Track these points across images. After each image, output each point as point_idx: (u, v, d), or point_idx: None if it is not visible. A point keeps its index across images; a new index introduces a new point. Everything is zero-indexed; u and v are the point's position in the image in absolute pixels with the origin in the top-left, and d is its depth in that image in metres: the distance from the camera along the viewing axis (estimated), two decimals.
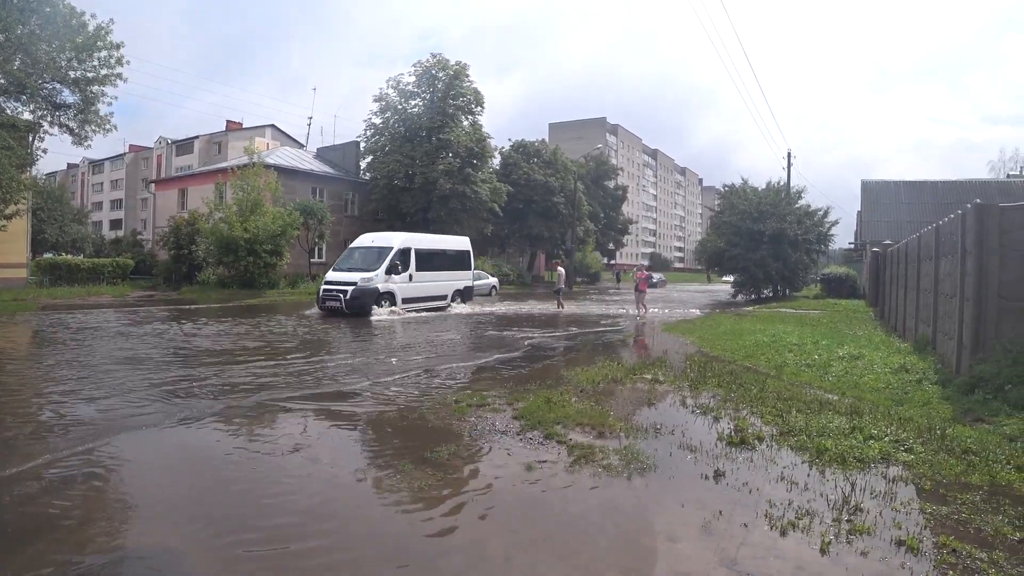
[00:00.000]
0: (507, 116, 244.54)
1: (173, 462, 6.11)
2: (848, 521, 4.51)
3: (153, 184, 55.08)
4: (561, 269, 30.52)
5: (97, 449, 6.21)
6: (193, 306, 24.25)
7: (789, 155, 46.30)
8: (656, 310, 27.08)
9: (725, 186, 42.27)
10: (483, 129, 46.91)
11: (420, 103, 45.71)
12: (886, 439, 6.43)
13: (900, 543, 4.16)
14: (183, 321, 18.65)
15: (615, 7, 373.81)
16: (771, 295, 38.04)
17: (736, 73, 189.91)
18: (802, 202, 38.48)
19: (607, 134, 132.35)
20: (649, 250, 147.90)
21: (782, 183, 40.65)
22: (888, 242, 26.47)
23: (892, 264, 19.88)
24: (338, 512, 4.80)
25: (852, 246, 50.85)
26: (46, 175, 68.81)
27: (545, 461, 5.93)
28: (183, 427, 7.09)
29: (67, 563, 3.89)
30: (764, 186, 38.77)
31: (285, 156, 46.71)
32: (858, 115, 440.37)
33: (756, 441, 6.47)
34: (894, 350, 12.86)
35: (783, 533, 4.34)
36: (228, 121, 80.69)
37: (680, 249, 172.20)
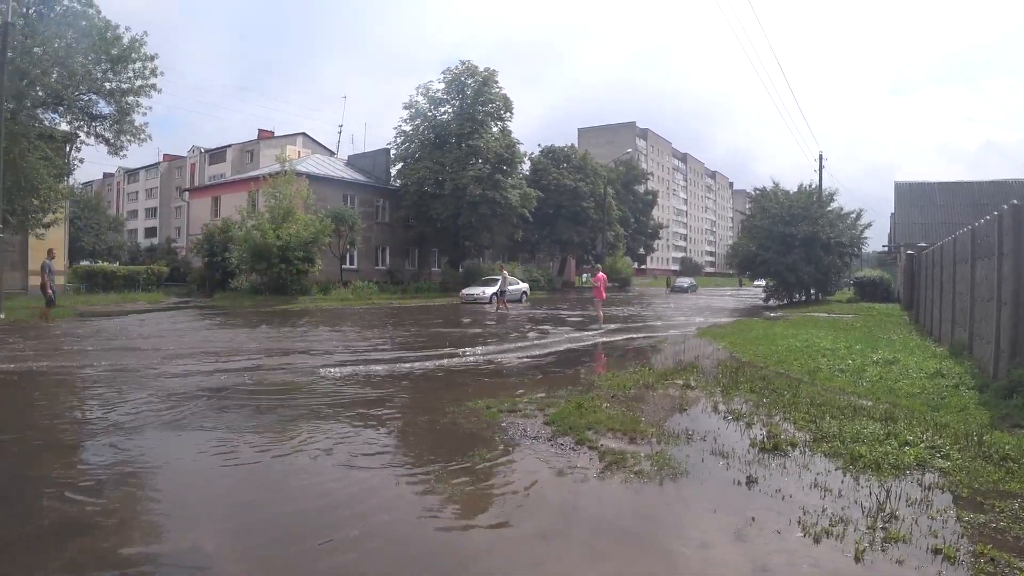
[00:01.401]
0: (535, 125, 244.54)
1: None
2: (883, 529, 4.46)
3: (187, 192, 55.90)
4: (505, 272, 31.23)
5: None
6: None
7: (821, 157, 45.95)
8: (684, 318, 26.79)
9: (756, 189, 41.94)
10: (512, 135, 47.05)
11: (450, 110, 45.99)
12: (922, 445, 6.34)
13: (936, 552, 4.11)
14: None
15: (637, 16, 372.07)
16: (803, 299, 37.71)
17: (765, 75, 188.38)
18: (834, 205, 38.08)
19: (637, 138, 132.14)
20: (680, 254, 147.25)
21: (814, 185, 40.23)
22: (923, 244, 26.11)
23: (927, 267, 19.60)
24: (367, 516, 4.84)
25: (886, 249, 50.20)
26: (83, 184, 70.02)
27: (576, 467, 5.93)
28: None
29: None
30: (796, 189, 38.39)
31: (316, 164, 47.19)
32: (878, 119, 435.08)
33: (789, 447, 6.42)
34: (929, 355, 12.68)
35: (817, 540, 4.30)
36: (260, 130, 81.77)
37: (711, 253, 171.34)
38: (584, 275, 72.33)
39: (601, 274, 24.22)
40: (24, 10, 22.85)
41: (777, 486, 5.36)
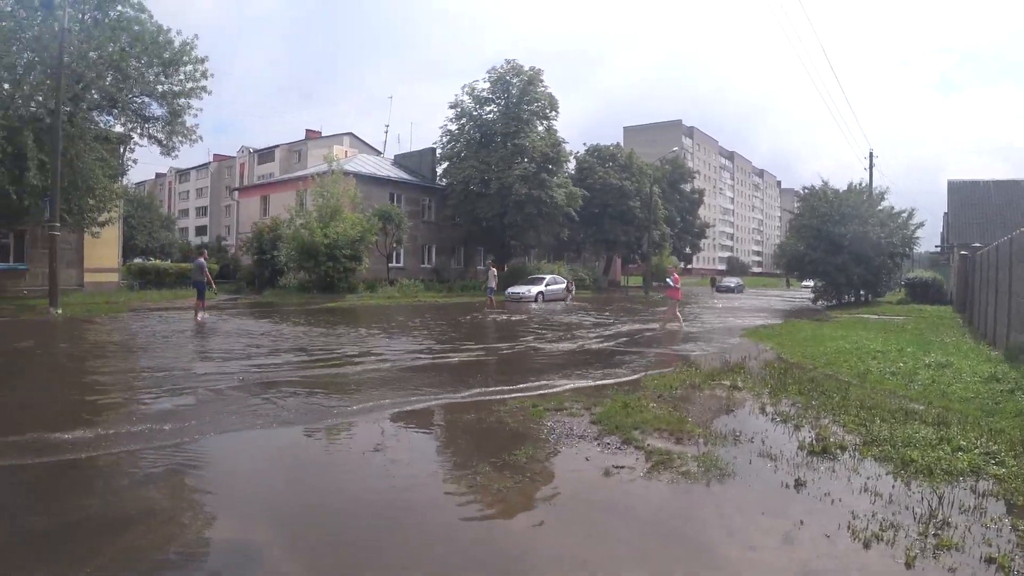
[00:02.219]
0: (579, 125, 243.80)
1: None
2: (935, 536, 4.39)
3: (236, 192, 56.78)
4: (494, 270, 30.59)
5: None
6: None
7: (871, 155, 45.27)
8: (731, 318, 26.50)
9: (805, 188, 41.41)
10: (558, 134, 46.98)
11: (495, 109, 46.03)
12: (976, 451, 6.22)
13: (990, 560, 4.05)
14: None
15: (678, 16, 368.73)
16: (853, 300, 37.07)
17: (813, 71, 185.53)
18: (885, 204, 37.37)
19: (683, 137, 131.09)
20: (726, 254, 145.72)
21: (863, 184, 39.54)
22: (977, 245, 25.57)
23: (982, 268, 19.16)
24: (416, 512, 4.92)
25: (938, 249, 49.19)
26: (136, 184, 71.63)
27: (623, 466, 5.93)
28: None
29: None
30: (845, 188, 37.76)
31: (363, 163, 47.64)
32: (924, 117, 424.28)
33: (838, 450, 6.34)
34: (984, 358, 12.41)
35: (866, 545, 4.26)
36: (308, 130, 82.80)
37: (758, 253, 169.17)
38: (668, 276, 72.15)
39: (676, 275, 22.75)
40: (80, 16, 23.52)
41: (826, 489, 5.31)
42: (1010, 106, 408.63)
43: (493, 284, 28.71)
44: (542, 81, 46.05)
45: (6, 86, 22.61)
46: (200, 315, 20.69)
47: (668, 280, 21.81)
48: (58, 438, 6.46)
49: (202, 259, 22.74)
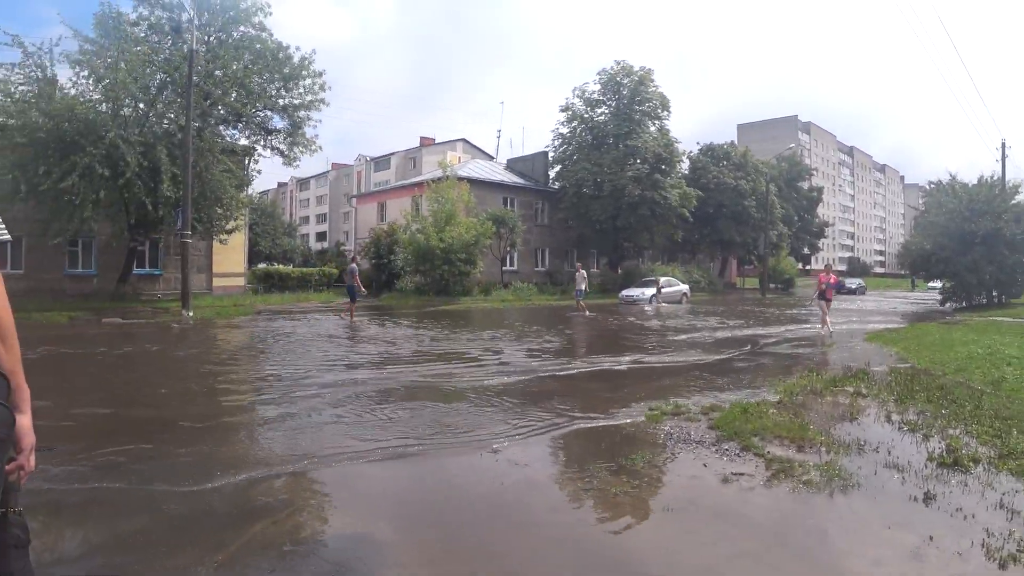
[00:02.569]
0: (692, 125, 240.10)
1: None
2: None
3: (354, 199, 58.60)
4: (583, 271, 29.27)
5: None
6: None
7: (1004, 146, 42.59)
8: (856, 323, 25.59)
9: (931, 183, 39.73)
10: (670, 134, 46.53)
11: (606, 110, 46.02)
12: None
13: None
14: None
15: (791, 8, 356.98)
16: (985, 302, 35.21)
17: (938, 57, 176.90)
18: (1020, 198, 35.30)
19: (799, 132, 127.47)
20: (847, 254, 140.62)
21: (995, 177, 37.47)
22: None
23: None
24: (530, 513, 5.03)
25: None
26: (260, 193, 74.85)
27: (742, 474, 5.88)
28: None
29: None
30: (975, 182, 35.91)
31: (476, 168, 48.39)
32: None
33: (971, 463, 6.08)
34: None
35: (1002, 566, 4.09)
36: (422, 137, 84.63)
37: (881, 252, 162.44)
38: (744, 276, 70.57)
39: (832, 275, 21.22)
40: (206, 38, 25.18)
41: (958, 504, 5.12)
42: None
43: (583, 287, 28.27)
44: (653, 81, 45.74)
45: (141, 105, 24.23)
46: (352, 318, 21.90)
47: (831, 280, 20.68)
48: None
49: (354, 265, 24.12)
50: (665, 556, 4.37)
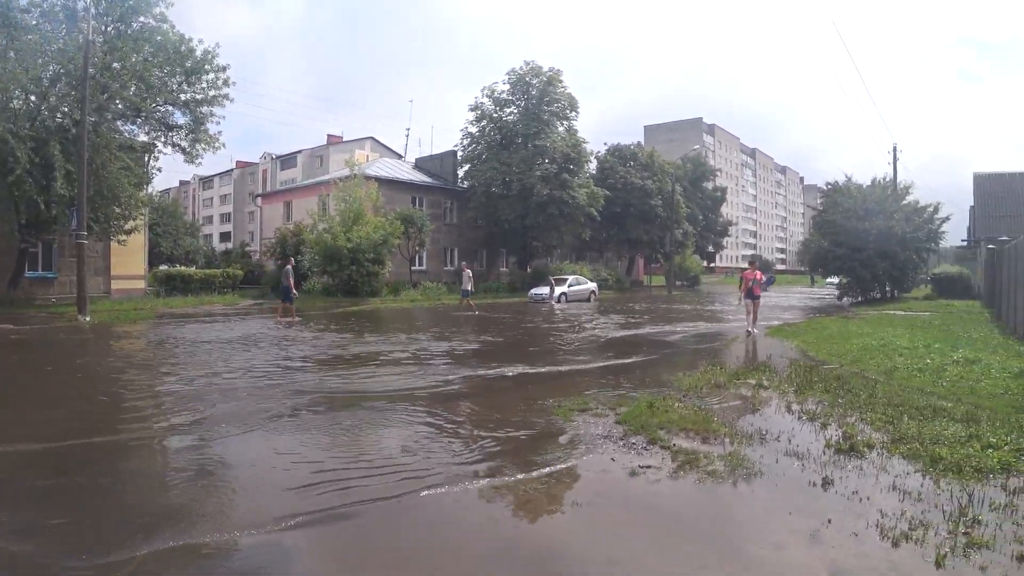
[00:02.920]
0: (600, 125, 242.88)
1: None
2: (965, 534, 4.37)
3: (259, 198, 57.34)
4: (468, 271, 29.00)
5: None
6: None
7: (895, 149, 44.58)
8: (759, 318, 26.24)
9: (828, 184, 41.01)
10: (578, 134, 46.98)
11: (515, 110, 46.09)
12: (1006, 448, 6.16)
13: (1022, 558, 4.02)
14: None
15: (697, 14, 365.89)
16: (879, 297, 36.65)
17: (835, 65, 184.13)
18: (910, 198, 36.94)
19: (704, 134, 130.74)
20: (750, 252, 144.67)
21: (887, 179, 39.14)
22: (1005, 238, 25.22)
23: (1010, 261, 18.89)
24: (440, 512, 4.97)
25: (964, 243, 48.61)
26: (161, 192, 72.39)
27: (649, 466, 5.93)
28: None
29: None
30: (869, 183, 37.39)
31: (385, 167, 47.94)
32: (946, 111, 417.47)
33: (866, 448, 6.30)
34: (1013, 353, 12.27)
35: (895, 544, 4.24)
36: (329, 135, 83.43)
37: (782, 250, 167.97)
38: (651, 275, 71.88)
39: (758, 271, 19.82)
40: (104, 28, 23.97)
41: (854, 488, 5.30)
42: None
43: (468, 286, 28.07)
44: (561, 82, 46.05)
45: (32, 98, 23.02)
46: (287, 318, 21.83)
47: (757, 277, 19.19)
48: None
49: (289, 266, 23.68)
50: (574, 550, 4.36)
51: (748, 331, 18.56)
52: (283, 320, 21.69)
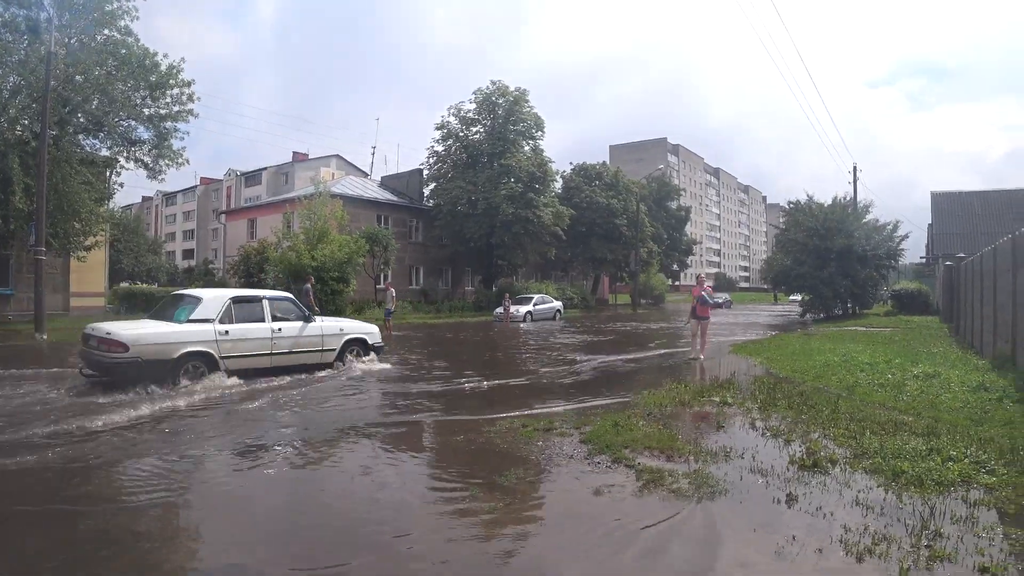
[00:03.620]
0: (566, 145, 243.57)
1: None
2: (927, 547, 4.39)
3: (223, 215, 56.59)
4: (392, 291, 28.11)
5: None
6: None
7: (855, 169, 45.51)
8: (722, 335, 26.39)
9: (790, 203, 41.64)
10: (544, 153, 47.15)
11: (481, 130, 46.12)
12: (966, 460, 6.23)
13: (984, 570, 4.04)
14: None
15: (661, 39, 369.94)
16: (840, 313, 37.21)
17: (797, 90, 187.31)
18: (870, 217, 37.62)
19: (668, 154, 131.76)
20: (714, 270, 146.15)
21: (848, 198, 39.88)
22: (961, 255, 25.75)
23: (966, 278, 19.28)
24: (409, 534, 4.90)
25: (923, 260, 49.55)
26: (122, 208, 71.32)
27: (613, 485, 5.92)
28: None
29: None
30: (830, 202, 37.99)
31: (350, 185, 47.66)
32: (899, 136, 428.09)
33: (829, 464, 6.33)
34: (971, 367, 12.47)
35: (859, 559, 4.25)
36: (295, 152, 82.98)
37: (746, 268, 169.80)
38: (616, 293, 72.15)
39: (707, 285, 17.95)
40: (66, 40, 23.48)
41: (818, 504, 5.31)
42: (974, 122, 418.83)
43: (391, 306, 27.24)
44: (528, 101, 46.21)
45: None
46: None
47: (703, 294, 16.65)
48: None
49: (308, 285, 24.23)
50: (537, 570, 4.32)
51: (691, 358, 16.46)
52: None
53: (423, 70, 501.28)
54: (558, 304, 40.81)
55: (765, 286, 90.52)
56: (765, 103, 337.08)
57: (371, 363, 14.07)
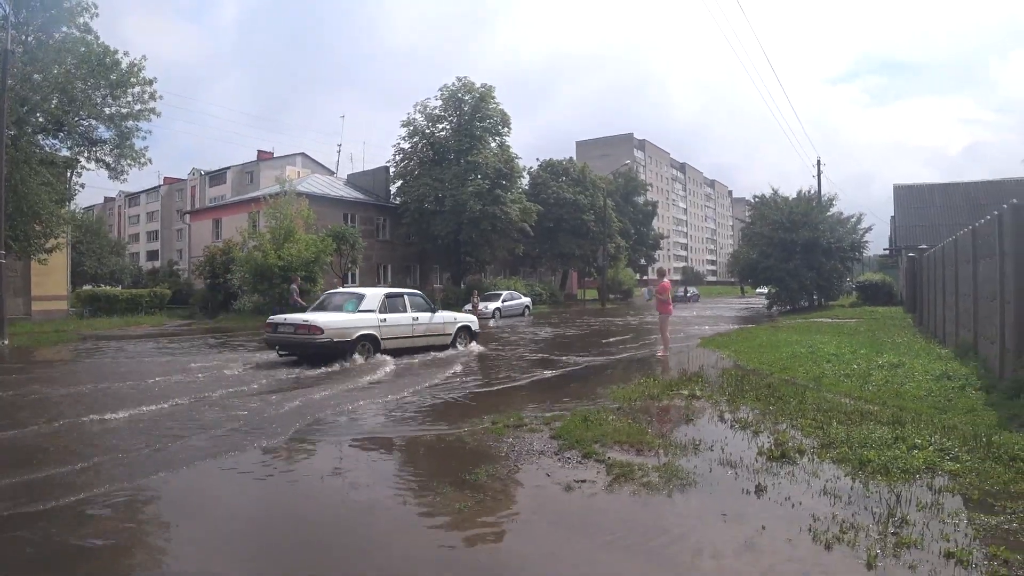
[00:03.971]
0: (532, 141, 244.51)
1: None
2: (894, 534, 4.44)
3: (188, 215, 55.92)
4: (295, 286, 27.22)
5: None
6: None
7: (819, 162, 46.13)
8: (690, 328, 26.56)
9: (756, 197, 42.06)
10: (511, 150, 47.21)
11: (448, 126, 46.12)
12: (930, 448, 6.31)
13: (950, 555, 4.08)
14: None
15: (628, 35, 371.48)
16: (807, 305, 37.61)
17: (761, 84, 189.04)
18: (834, 210, 38.07)
19: (635, 150, 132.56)
20: (681, 264, 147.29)
21: (812, 191, 40.35)
22: (924, 247, 26.13)
23: (929, 269, 19.58)
24: (377, 534, 4.88)
25: (887, 252, 50.26)
26: (84, 209, 70.06)
27: (584, 480, 5.90)
28: None
29: None
30: (795, 195, 38.37)
31: (316, 184, 47.36)
32: (859, 131, 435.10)
33: (797, 454, 6.38)
34: (935, 357, 12.65)
35: (828, 548, 4.28)
36: (259, 151, 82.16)
37: (712, 262, 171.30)
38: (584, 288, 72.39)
39: (666, 281, 17.31)
40: (23, 38, 22.97)
41: (786, 494, 5.35)
42: (935, 117, 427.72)
43: (297, 298, 25.86)
44: (494, 98, 46.26)
45: None
46: None
47: (648, 290, 16.03)
48: None
49: (294, 285, 24.64)
50: (510, 567, 4.30)
51: (659, 355, 16.23)
52: None
53: (387, 69, 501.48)
54: (527, 300, 40.89)
55: (732, 279, 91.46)
56: (730, 99, 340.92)
57: (474, 346, 18.11)
